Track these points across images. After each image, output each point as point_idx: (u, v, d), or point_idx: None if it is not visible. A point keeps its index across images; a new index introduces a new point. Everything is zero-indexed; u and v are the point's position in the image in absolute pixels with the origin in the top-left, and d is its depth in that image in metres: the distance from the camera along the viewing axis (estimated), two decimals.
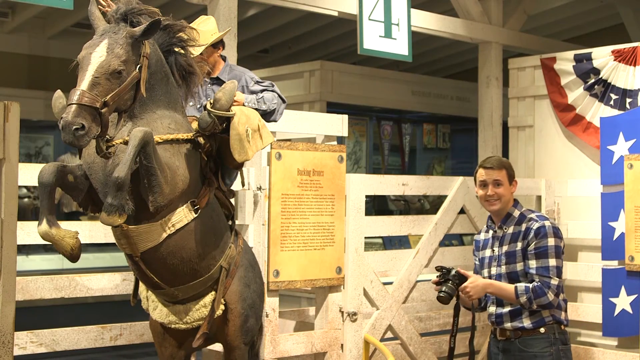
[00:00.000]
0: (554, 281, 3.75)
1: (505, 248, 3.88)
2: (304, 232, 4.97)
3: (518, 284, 3.77)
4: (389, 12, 6.76)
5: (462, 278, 3.80)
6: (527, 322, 3.82)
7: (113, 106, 3.24)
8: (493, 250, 3.94)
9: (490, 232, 4.00)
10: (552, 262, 3.76)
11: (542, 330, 3.80)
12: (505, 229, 3.91)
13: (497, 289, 3.82)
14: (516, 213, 3.91)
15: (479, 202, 4.04)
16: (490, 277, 3.91)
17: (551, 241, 3.78)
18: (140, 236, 3.48)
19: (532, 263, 3.77)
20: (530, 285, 3.74)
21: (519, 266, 3.82)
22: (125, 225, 3.41)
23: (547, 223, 3.82)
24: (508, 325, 3.86)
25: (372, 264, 5.48)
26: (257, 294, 4.12)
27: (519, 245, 3.82)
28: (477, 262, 4.13)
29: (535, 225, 3.80)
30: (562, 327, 3.86)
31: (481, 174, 3.92)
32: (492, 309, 3.96)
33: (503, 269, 3.87)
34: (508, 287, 3.79)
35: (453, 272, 3.81)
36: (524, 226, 3.84)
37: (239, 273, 3.98)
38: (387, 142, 12.18)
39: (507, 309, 3.87)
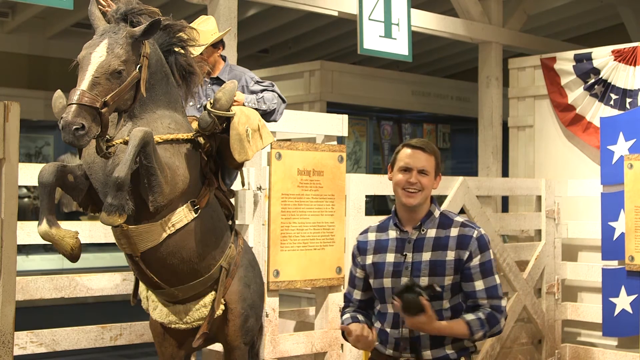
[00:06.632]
0: (504, 302, 3.05)
1: (427, 255, 3.02)
2: (304, 232, 4.97)
3: (468, 318, 2.97)
4: (389, 12, 6.76)
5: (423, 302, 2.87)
6: (450, 351, 3.01)
7: (113, 106, 3.24)
8: (404, 256, 3.04)
9: (394, 232, 3.11)
10: (497, 278, 3.05)
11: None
12: (424, 231, 3.06)
13: (448, 330, 2.96)
14: (437, 213, 3.10)
15: (393, 189, 3.10)
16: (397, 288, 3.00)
17: (491, 253, 3.07)
18: (140, 236, 3.48)
19: (479, 284, 3.00)
20: (482, 316, 2.97)
21: (447, 280, 2.99)
22: (125, 225, 3.41)
23: (482, 231, 3.08)
24: (427, 353, 2.99)
25: None
26: (257, 294, 4.11)
27: (451, 255, 3.00)
28: (362, 270, 3.17)
29: (475, 234, 3.03)
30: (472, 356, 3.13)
31: (406, 154, 3.05)
32: (398, 331, 3.03)
33: (423, 281, 2.98)
34: (458, 325, 2.97)
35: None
36: (454, 232, 3.04)
37: (239, 273, 3.98)
38: (387, 142, 12.18)
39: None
